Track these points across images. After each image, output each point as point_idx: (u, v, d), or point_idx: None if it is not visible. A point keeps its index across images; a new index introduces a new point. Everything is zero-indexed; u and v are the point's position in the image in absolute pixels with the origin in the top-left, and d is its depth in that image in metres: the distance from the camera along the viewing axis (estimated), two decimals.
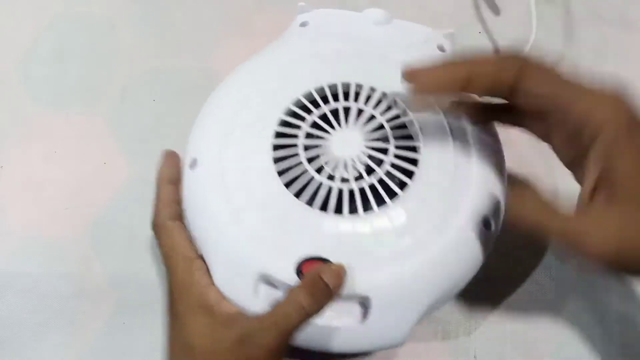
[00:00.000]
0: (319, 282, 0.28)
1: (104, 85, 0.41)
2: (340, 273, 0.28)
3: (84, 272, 0.40)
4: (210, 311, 0.28)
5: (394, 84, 0.31)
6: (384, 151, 0.31)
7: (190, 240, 0.31)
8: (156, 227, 0.32)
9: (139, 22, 0.41)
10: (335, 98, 0.32)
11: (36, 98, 0.40)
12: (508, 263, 0.39)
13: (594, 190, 0.26)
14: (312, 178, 0.30)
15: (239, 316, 0.28)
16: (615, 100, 0.27)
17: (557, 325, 0.40)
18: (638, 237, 0.25)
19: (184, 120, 0.36)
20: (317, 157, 0.31)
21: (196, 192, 0.31)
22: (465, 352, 0.41)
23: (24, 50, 0.41)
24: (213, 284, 0.29)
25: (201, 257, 0.30)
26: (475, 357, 0.41)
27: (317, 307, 0.28)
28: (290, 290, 0.28)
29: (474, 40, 0.44)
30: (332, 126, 0.32)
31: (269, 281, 0.29)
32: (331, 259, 0.29)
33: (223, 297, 0.29)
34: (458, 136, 0.32)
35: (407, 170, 0.31)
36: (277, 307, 0.28)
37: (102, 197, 0.40)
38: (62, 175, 0.40)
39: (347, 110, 0.32)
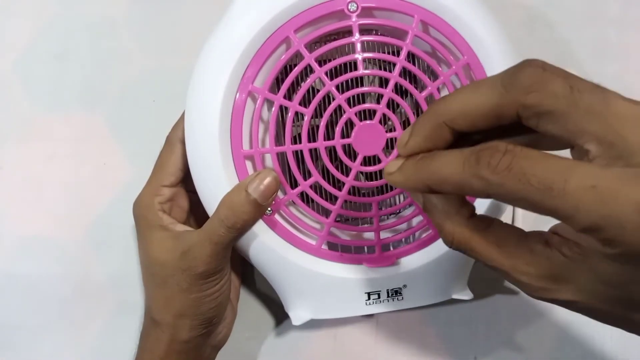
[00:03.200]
0: (242, 197, 0.31)
1: (104, 85, 0.41)
2: (268, 183, 0.31)
3: (84, 272, 0.40)
4: (166, 228, 0.33)
5: None
6: None
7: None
8: None
9: (139, 22, 0.41)
10: None
11: (36, 98, 0.40)
12: None
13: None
14: None
15: (185, 233, 0.33)
16: None
17: (557, 325, 0.40)
18: None
19: None
20: None
21: None
22: (465, 352, 0.41)
23: (23, 50, 0.40)
24: (170, 215, 0.34)
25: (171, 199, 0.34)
26: (475, 357, 0.41)
27: (241, 222, 0.31)
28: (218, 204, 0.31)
29: None
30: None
31: None
32: None
33: (176, 222, 0.34)
34: None
35: None
36: (207, 222, 0.32)
37: (102, 197, 0.40)
38: (62, 176, 0.40)
39: None
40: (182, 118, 0.35)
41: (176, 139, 0.34)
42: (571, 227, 0.20)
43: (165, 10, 0.41)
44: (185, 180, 0.35)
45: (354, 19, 0.32)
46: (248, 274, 0.41)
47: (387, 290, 0.35)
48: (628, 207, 0.19)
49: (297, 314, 0.35)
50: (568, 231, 0.23)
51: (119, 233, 0.40)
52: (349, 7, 0.32)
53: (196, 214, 0.36)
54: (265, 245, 0.33)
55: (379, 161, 0.33)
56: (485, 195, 0.22)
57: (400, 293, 0.35)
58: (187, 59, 0.41)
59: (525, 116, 0.22)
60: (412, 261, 0.35)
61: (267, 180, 0.31)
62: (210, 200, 0.32)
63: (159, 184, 0.34)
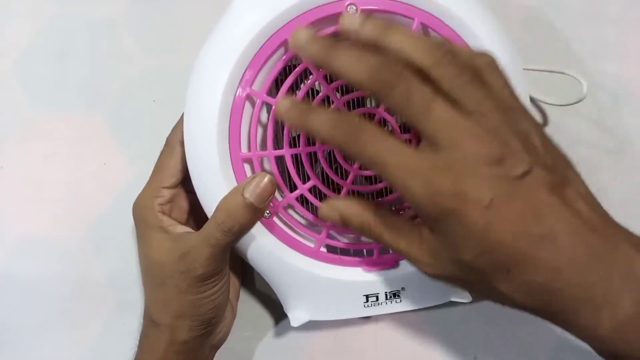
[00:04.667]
0: (239, 201, 0.30)
1: (104, 85, 0.41)
2: (264, 186, 0.31)
3: (84, 272, 0.40)
4: (165, 230, 0.33)
5: None
6: None
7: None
8: None
9: (139, 22, 0.41)
10: None
11: (36, 98, 0.40)
12: None
13: None
14: None
15: (184, 235, 0.33)
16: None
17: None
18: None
19: None
20: None
21: None
22: (465, 352, 0.41)
23: (23, 50, 0.40)
24: (170, 216, 0.34)
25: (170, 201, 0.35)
26: (475, 357, 0.41)
27: (233, 222, 0.31)
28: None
29: None
30: None
31: None
32: None
33: (176, 223, 0.34)
34: None
35: None
36: (205, 225, 0.32)
37: (102, 197, 0.40)
38: (62, 176, 0.40)
39: None
40: (181, 120, 0.35)
41: (176, 140, 0.34)
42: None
43: (165, 10, 0.41)
44: (185, 181, 0.35)
45: None
46: (248, 274, 0.41)
47: (386, 292, 0.35)
48: (420, 182, 0.26)
49: (296, 315, 0.35)
50: None
51: (119, 233, 0.40)
52: (348, 10, 0.31)
53: (196, 214, 0.36)
54: (263, 247, 0.33)
55: None
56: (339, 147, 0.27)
57: (398, 295, 0.35)
58: (187, 59, 0.41)
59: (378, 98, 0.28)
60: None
61: (264, 183, 0.31)
62: (209, 203, 0.32)
63: (158, 186, 0.34)
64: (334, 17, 0.32)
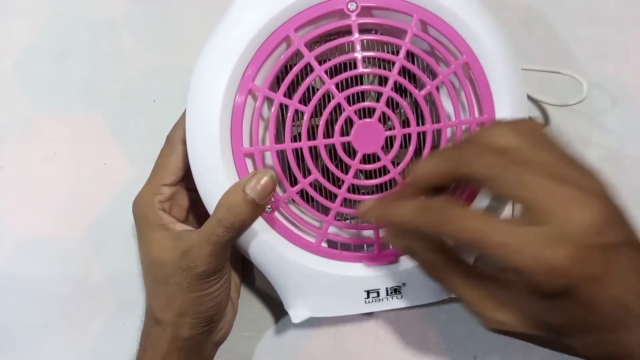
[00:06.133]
0: (239, 197, 0.30)
1: (104, 85, 0.41)
2: (265, 182, 0.31)
3: (84, 272, 0.40)
4: (166, 228, 0.33)
5: None
6: None
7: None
8: None
9: (139, 22, 0.41)
10: None
11: (36, 98, 0.40)
12: None
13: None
14: None
15: (185, 232, 0.33)
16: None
17: None
18: None
19: None
20: None
21: None
22: (465, 352, 0.41)
23: (23, 50, 0.40)
24: (170, 214, 0.34)
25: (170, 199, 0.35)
26: (475, 357, 0.41)
27: (234, 218, 0.31)
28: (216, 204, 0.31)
29: None
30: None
31: None
32: None
33: (176, 221, 0.34)
34: None
35: None
36: (206, 222, 0.32)
37: (102, 197, 0.40)
38: (62, 176, 0.40)
39: None
40: (182, 118, 0.35)
41: (176, 138, 0.34)
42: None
43: (165, 10, 0.41)
44: (185, 180, 0.35)
45: (353, 18, 0.32)
46: (248, 272, 0.41)
47: (387, 288, 0.35)
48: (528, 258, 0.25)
49: (297, 312, 0.35)
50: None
51: (119, 233, 0.40)
52: (349, 7, 0.32)
53: (196, 212, 0.36)
54: (264, 243, 0.33)
55: (378, 159, 0.33)
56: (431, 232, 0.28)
57: (399, 291, 0.35)
58: (187, 59, 0.41)
59: (468, 180, 0.29)
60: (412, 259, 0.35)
61: (264, 179, 0.31)
62: (211, 198, 0.32)
63: (159, 183, 0.34)
64: (334, 14, 0.32)
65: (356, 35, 0.32)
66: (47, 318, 0.40)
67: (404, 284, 0.35)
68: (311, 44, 0.33)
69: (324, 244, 0.35)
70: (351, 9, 0.32)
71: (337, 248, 0.35)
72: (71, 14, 0.41)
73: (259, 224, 0.33)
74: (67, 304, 0.40)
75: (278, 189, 0.33)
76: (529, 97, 0.39)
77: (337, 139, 0.33)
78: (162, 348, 0.33)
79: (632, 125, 0.42)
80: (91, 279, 0.40)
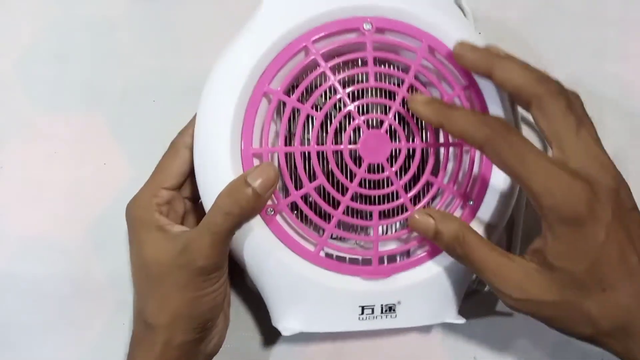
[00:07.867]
0: (241, 184, 0.30)
1: (104, 85, 0.41)
2: (267, 174, 0.30)
3: (84, 272, 0.40)
4: (162, 229, 0.33)
5: None
6: None
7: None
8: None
9: (139, 22, 0.41)
10: None
11: (36, 99, 0.40)
12: None
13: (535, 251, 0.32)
14: None
15: (183, 232, 0.32)
16: (571, 189, 0.30)
17: None
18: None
19: (183, 120, 0.36)
20: None
21: None
22: (465, 352, 0.41)
23: (23, 50, 0.41)
24: (166, 216, 0.34)
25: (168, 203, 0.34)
26: (475, 357, 0.41)
27: (238, 208, 0.30)
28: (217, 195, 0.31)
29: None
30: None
31: None
32: None
33: (173, 223, 0.33)
34: None
35: None
36: (207, 213, 0.31)
37: (102, 197, 0.40)
38: (62, 176, 0.40)
39: None
40: (190, 125, 0.35)
41: (182, 144, 0.34)
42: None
43: (165, 10, 0.41)
44: (183, 188, 0.35)
45: (368, 36, 0.34)
46: (247, 274, 0.41)
47: (382, 305, 0.35)
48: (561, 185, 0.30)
49: (288, 324, 0.35)
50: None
51: (119, 233, 0.40)
52: (364, 26, 0.34)
53: (189, 221, 0.36)
54: (262, 246, 0.33)
55: (383, 170, 0.34)
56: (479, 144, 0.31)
57: (394, 310, 0.35)
58: (187, 59, 0.41)
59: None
60: (408, 277, 0.35)
61: (267, 170, 0.30)
62: (211, 196, 0.32)
63: (158, 186, 0.34)
64: (350, 31, 0.34)
65: (369, 51, 0.33)
66: (47, 318, 0.40)
67: (399, 302, 0.35)
68: (327, 56, 0.34)
69: (322, 254, 0.35)
70: (366, 29, 0.34)
71: (333, 259, 0.35)
72: (71, 14, 0.41)
73: (259, 225, 0.33)
74: (67, 304, 0.40)
75: (281, 194, 0.33)
76: None
77: (345, 146, 0.33)
78: (152, 357, 0.32)
79: (632, 126, 0.42)
80: (91, 279, 0.40)
